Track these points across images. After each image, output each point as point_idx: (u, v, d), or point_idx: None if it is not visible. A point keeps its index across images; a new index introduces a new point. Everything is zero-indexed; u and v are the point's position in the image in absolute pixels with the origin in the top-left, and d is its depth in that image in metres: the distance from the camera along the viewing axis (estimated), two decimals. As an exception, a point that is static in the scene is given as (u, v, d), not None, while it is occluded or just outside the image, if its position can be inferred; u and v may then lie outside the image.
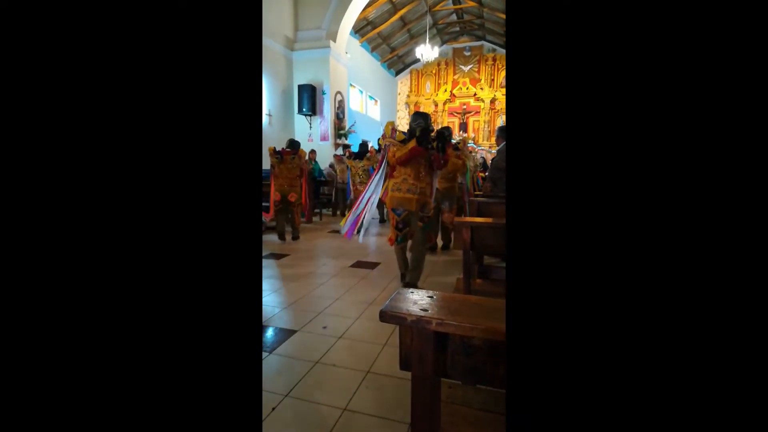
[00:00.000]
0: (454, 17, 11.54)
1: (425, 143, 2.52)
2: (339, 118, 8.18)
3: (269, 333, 2.10)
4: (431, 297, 0.84)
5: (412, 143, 2.53)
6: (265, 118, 7.02)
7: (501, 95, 12.09)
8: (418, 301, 0.82)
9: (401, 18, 10.40)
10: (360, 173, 5.56)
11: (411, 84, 13.26)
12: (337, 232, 5.47)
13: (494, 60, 12.29)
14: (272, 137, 6.73)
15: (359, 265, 3.58)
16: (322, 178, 6.83)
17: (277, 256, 3.88)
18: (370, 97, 12.00)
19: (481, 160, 8.01)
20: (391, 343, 1.93)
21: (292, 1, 7.71)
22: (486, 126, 12.35)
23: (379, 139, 3.08)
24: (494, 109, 12.36)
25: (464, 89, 12.58)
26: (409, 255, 2.85)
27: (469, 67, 12.60)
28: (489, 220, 2.16)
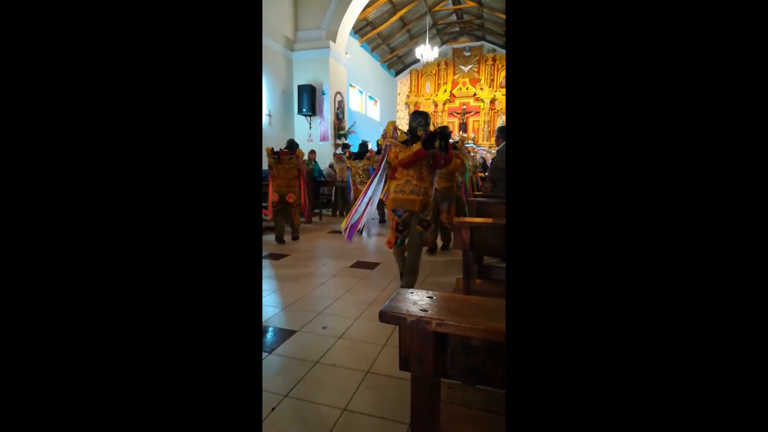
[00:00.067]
0: (453, 17, 11.55)
1: (430, 147, 2.49)
2: (339, 119, 8.18)
3: (269, 333, 2.10)
4: (431, 297, 0.84)
5: (417, 146, 2.50)
6: (265, 119, 7.02)
7: (501, 95, 12.09)
8: (417, 301, 0.82)
9: (401, 18, 10.40)
10: (360, 173, 5.56)
11: (411, 84, 13.26)
12: (337, 232, 5.48)
13: (494, 60, 12.29)
14: (272, 137, 6.73)
15: (359, 265, 3.58)
16: (322, 179, 6.83)
17: (276, 257, 3.88)
18: (370, 98, 12.00)
19: (480, 161, 8.02)
20: (390, 344, 1.93)
21: (292, 1, 7.71)
22: (486, 126, 12.35)
23: (378, 140, 3.05)
24: (494, 109, 12.36)
25: (464, 89, 12.58)
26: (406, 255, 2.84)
27: (469, 67, 12.60)
28: (489, 220, 2.16)
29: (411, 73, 13.22)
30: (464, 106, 12.57)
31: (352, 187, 5.76)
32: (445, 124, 12.20)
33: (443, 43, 12.60)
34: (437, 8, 10.68)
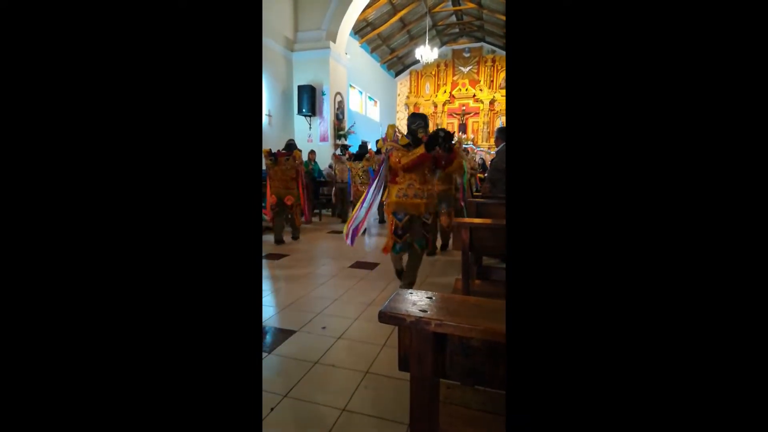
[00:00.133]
0: (453, 19, 11.56)
1: (433, 148, 2.46)
2: (338, 119, 8.18)
3: (268, 333, 2.10)
4: (430, 298, 0.84)
5: (420, 150, 2.46)
6: (264, 119, 7.01)
7: (500, 96, 12.10)
8: (417, 302, 0.82)
9: (401, 19, 10.41)
10: (360, 174, 5.56)
11: (410, 85, 13.27)
12: (337, 232, 5.48)
13: (493, 61, 12.30)
14: (272, 138, 6.73)
15: (358, 265, 3.58)
16: (322, 179, 6.83)
17: (276, 257, 3.87)
18: (370, 98, 12.00)
19: (480, 161, 8.02)
20: (390, 344, 1.93)
21: (292, 1, 7.71)
22: (485, 127, 12.36)
23: (378, 141, 3.03)
24: (493, 110, 12.37)
25: (463, 90, 12.59)
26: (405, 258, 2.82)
27: (469, 68, 12.62)
28: (488, 221, 2.16)
29: (411, 73, 13.22)
30: (464, 107, 12.58)
31: (352, 187, 5.76)
32: (445, 125, 12.21)
33: (443, 44, 12.61)
34: (437, 9, 10.69)
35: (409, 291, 0.88)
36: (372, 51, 11.37)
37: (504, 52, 11.34)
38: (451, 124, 12.43)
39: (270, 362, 1.78)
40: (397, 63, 13.08)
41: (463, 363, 0.76)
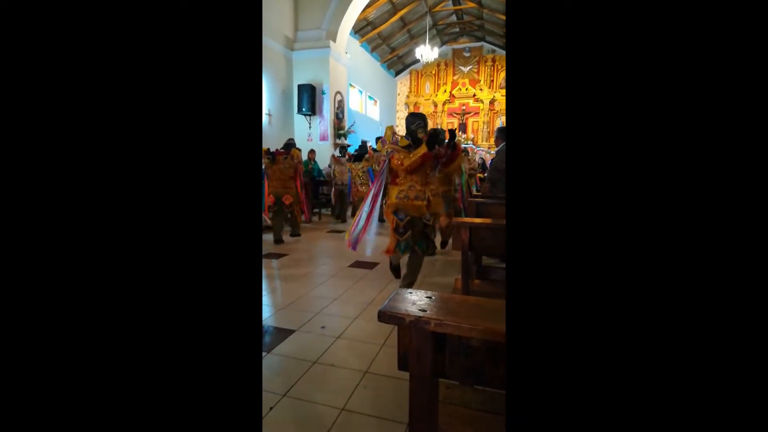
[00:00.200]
0: (453, 18, 11.55)
1: (434, 146, 2.43)
2: (338, 118, 8.17)
3: (267, 333, 2.09)
4: (430, 297, 0.84)
5: (423, 149, 2.43)
6: (264, 118, 7.01)
7: (500, 96, 12.10)
8: (416, 301, 0.82)
9: (401, 18, 10.40)
10: (360, 174, 5.56)
11: (410, 84, 13.26)
12: (336, 232, 5.48)
13: (494, 61, 12.30)
14: (272, 137, 6.72)
15: (358, 265, 3.58)
16: (322, 178, 6.82)
17: (275, 256, 3.87)
18: (370, 98, 12.00)
19: (480, 161, 8.02)
20: (389, 344, 1.93)
21: (292, 1, 7.70)
22: (485, 127, 12.35)
23: (377, 142, 3.00)
24: (493, 110, 12.36)
25: (463, 90, 12.59)
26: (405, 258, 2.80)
27: (469, 67, 12.61)
28: (488, 220, 2.16)
29: (411, 73, 13.22)
30: (464, 107, 12.58)
31: (352, 188, 5.76)
32: (445, 124, 12.21)
33: (443, 43, 12.60)
34: (437, 9, 10.68)
35: (409, 291, 0.88)
36: (372, 50, 11.37)
37: (504, 52, 11.33)
38: (451, 124, 12.42)
39: (269, 362, 1.78)
40: (397, 62, 13.07)
41: (462, 363, 0.76)
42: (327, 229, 5.63)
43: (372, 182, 2.86)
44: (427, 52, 10.04)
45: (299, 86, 7.63)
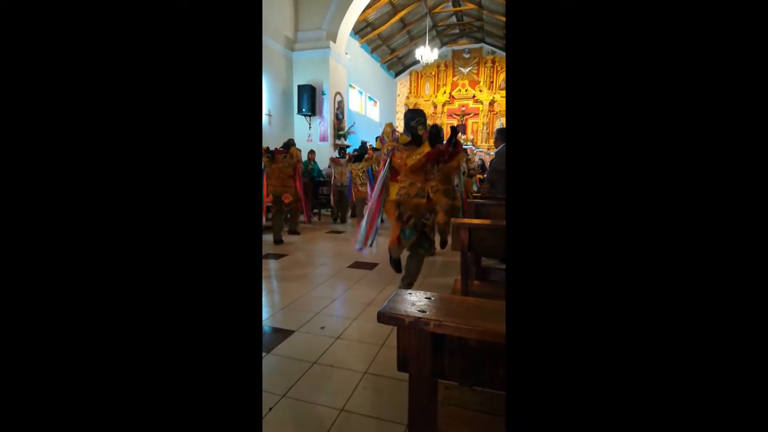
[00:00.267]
0: (453, 19, 11.57)
1: (436, 144, 2.39)
2: (338, 119, 8.18)
3: (267, 333, 2.09)
4: (429, 298, 0.84)
5: (426, 148, 2.40)
6: (264, 118, 7.01)
7: (500, 97, 12.12)
8: (416, 302, 0.82)
9: (401, 20, 10.41)
10: (360, 174, 5.56)
11: (410, 85, 13.28)
12: (336, 232, 5.48)
13: (493, 62, 12.32)
14: (272, 137, 6.72)
15: (357, 265, 3.58)
16: (321, 179, 6.82)
17: (275, 257, 3.87)
18: (370, 98, 12.01)
19: (479, 162, 8.03)
20: (388, 344, 1.93)
21: (293, 1, 7.71)
22: (484, 128, 12.37)
23: (376, 140, 2.96)
24: (493, 111, 12.38)
25: (463, 91, 12.61)
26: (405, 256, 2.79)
27: (469, 69, 12.63)
28: (487, 221, 2.16)
29: (411, 74, 13.23)
30: (463, 108, 12.60)
31: (353, 188, 5.76)
32: (445, 125, 12.22)
33: (443, 44, 12.62)
34: (437, 10, 10.69)
35: (408, 291, 0.88)
36: (372, 51, 11.38)
37: (504, 53, 11.36)
38: (450, 125, 12.43)
39: (269, 362, 1.78)
40: (397, 63, 13.09)
41: (461, 363, 0.76)
42: (326, 230, 5.63)
43: (372, 182, 2.84)
44: (426, 54, 10.05)
45: (299, 87, 7.64)
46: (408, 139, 2.55)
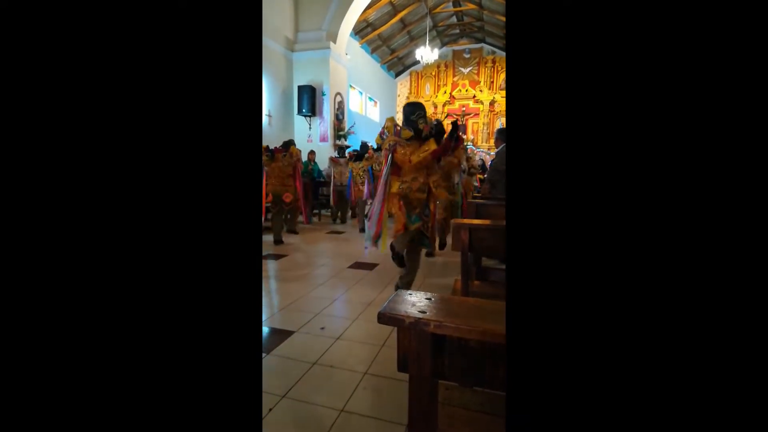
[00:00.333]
0: (454, 20, 11.57)
1: (441, 138, 2.35)
2: (338, 119, 8.18)
3: (267, 334, 2.09)
4: (429, 299, 0.84)
5: (432, 145, 2.36)
6: (264, 119, 7.01)
7: (500, 97, 12.13)
8: (416, 303, 0.82)
9: (401, 20, 10.42)
10: (360, 173, 5.56)
11: (411, 86, 13.28)
12: (336, 232, 5.48)
13: (494, 62, 12.33)
14: (272, 137, 6.73)
15: (357, 266, 3.58)
16: (321, 179, 6.82)
17: (275, 257, 3.87)
18: (370, 99, 12.02)
19: (480, 162, 8.03)
20: (388, 345, 1.93)
21: (293, 1, 7.72)
22: (485, 128, 12.37)
23: (376, 138, 2.91)
24: (493, 111, 12.38)
25: (463, 91, 12.61)
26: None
27: (469, 69, 12.63)
28: (487, 222, 2.16)
29: (411, 74, 13.24)
30: (463, 108, 12.60)
31: (353, 188, 5.76)
32: (445, 125, 12.19)
33: (443, 45, 12.62)
34: (437, 10, 10.70)
35: (408, 292, 0.88)
36: (372, 51, 11.38)
37: (504, 53, 11.36)
38: (451, 120, 12.44)
39: (269, 363, 1.77)
40: (398, 64, 13.09)
41: (462, 364, 0.76)
42: (326, 230, 5.63)
43: (371, 181, 2.79)
44: (427, 54, 10.06)
45: (299, 87, 7.64)
46: (410, 134, 2.48)
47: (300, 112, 7.69)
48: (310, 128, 7.89)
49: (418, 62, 11.79)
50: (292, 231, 4.63)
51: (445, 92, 12.75)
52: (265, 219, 4.65)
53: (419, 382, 0.78)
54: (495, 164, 3.53)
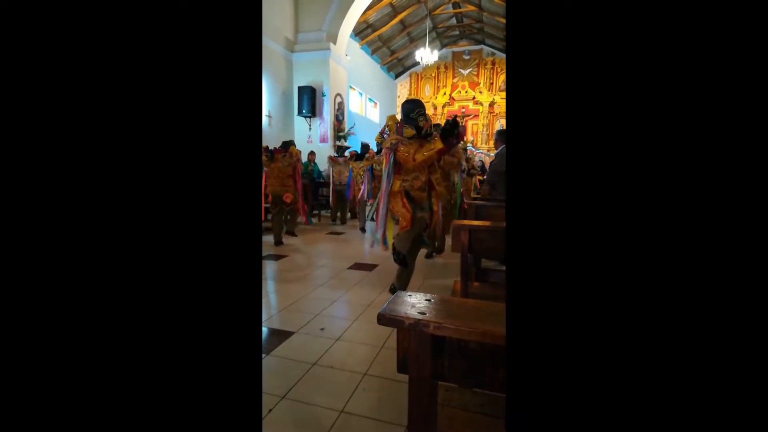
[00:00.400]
0: (453, 21, 11.59)
1: (448, 138, 2.31)
2: (338, 120, 8.19)
3: (267, 334, 2.09)
4: (429, 300, 0.84)
5: (438, 144, 2.32)
6: (264, 119, 7.01)
7: (500, 99, 12.14)
8: (415, 304, 0.82)
9: (401, 21, 10.43)
10: (361, 173, 5.57)
11: (410, 87, 13.30)
12: (335, 233, 5.47)
13: (493, 64, 12.34)
14: (272, 138, 6.73)
15: (357, 267, 3.58)
16: (321, 179, 6.82)
17: (275, 258, 3.87)
18: (370, 100, 12.02)
19: (479, 164, 8.04)
20: (388, 346, 1.93)
21: (293, 2, 7.72)
22: (484, 129, 12.38)
23: (376, 137, 2.87)
24: (493, 112, 12.40)
25: (463, 92, 12.63)
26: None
27: (469, 70, 12.65)
28: (487, 223, 2.16)
29: (411, 75, 13.26)
30: (463, 109, 12.59)
31: (354, 187, 5.76)
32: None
33: (443, 46, 12.64)
34: (437, 12, 10.72)
35: (408, 293, 0.88)
36: (372, 53, 11.39)
37: (504, 55, 11.38)
38: (452, 116, 12.44)
39: (268, 363, 1.77)
40: (398, 65, 13.11)
41: (461, 365, 0.76)
42: (326, 231, 5.63)
43: (371, 181, 2.76)
44: (427, 55, 10.07)
45: (299, 88, 7.65)
46: (413, 132, 2.44)
47: (300, 112, 7.70)
48: (310, 129, 7.89)
49: (417, 63, 11.80)
50: (291, 233, 4.62)
51: (445, 93, 12.76)
52: (265, 219, 4.64)
53: (419, 383, 0.78)
54: (495, 165, 3.54)
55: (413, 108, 2.49)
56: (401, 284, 2.64)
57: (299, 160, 4.73)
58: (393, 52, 11.99)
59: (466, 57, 12.62)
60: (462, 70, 12.71)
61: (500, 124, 12.06)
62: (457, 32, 12.29)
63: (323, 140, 7.90)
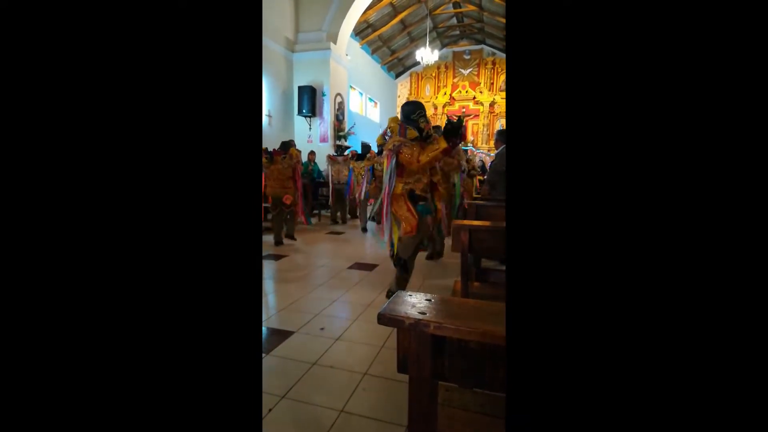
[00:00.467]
0: (454, 21, 11.59)
1: (452, 138, 2.29)
2: (339, 120, 8.19)
3: (267, 334, 2.09)
4: (429, 300, 0.84)
5: (442, 144, 2.29)
6: (265, 119, 7.02)
7: (500, 99, 12.14)
8: (416, 304, 0.82)
9: (402, 21, 10.43)
10: (362, 173, 5.57)
11: (411, 87, 13.30)
12: (335, 233, 5.47)
13: (494, 64, 12.34)
14: (272, 138, 6.73)
15: (357, 266, 3.58)
16: (321, 179, 6.82)
17: (275, 257, 3.87)
18: (370, 99, 12.03)
19: (480, 164, 8.04)
20: (388, 345, 1.93)
21: (293, 2, 7.72)
22: (485, 129, 12.38)
23: (377, 139, 2.86)
24: (493, 112, 12.40)
25: (464, 92, 12.63)
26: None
27: (469, 70, 12.65)
28: (487, 223, 2.16)
29: (411, 75, 13.26)
30: (464, 109, 12.60)
31: (353, 186, 5.76)
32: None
33: (443, 46, 12.64)
34: (438, 11, 10.72)
35: (408, 293, 0.88)
36: (373, 52, 11.40)
37: (504, 55, 11.38)
38: (452, 117, 12.45)
39: (268, 363, 1.77)
40: (398, 65, 13.11)
41: (461, 365, 0.76)
42: (326, 231, 5.63)
43: (370, 180, 2.75)
44: (427, 55, 10.06)
45: (299, 88, 7.64)
46: (416, 134, 2.42)
47: (300, 112, 7.70)
48: (310, 129, 7.89)
49: (418, 63, 11.80)
50: (290, 236, 4.60)
51: (445, 93, 12.76)
52: (265, 220, 4.64)
53: (419, 383, 0.78)
54: (495, 165, 3.54)
55: (414, 109, 2.48)
56: (399, 289, 2.63)
57: (299, 161, 4.72)
58: (393, 52, 12.00)
59: (467, 57, 12.62)
60: (462, 70, 12.71)
61: (501, 124, 12.07)
62: (458, 32, 12.29)
63: (323, 140, 7.90)
